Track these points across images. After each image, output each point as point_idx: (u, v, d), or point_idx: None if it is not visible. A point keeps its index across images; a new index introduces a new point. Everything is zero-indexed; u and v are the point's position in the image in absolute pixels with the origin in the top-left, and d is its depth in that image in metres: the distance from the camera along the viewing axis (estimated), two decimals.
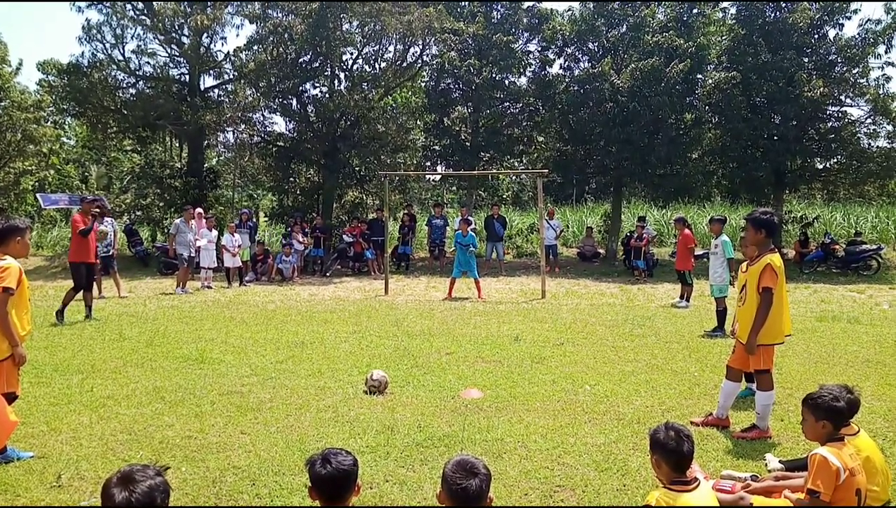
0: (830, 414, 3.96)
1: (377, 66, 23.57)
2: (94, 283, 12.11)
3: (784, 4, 21.12)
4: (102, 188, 35.65)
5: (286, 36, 21.08)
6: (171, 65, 23.94)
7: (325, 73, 23.23)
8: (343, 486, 2.93)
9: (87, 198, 12.34)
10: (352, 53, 23.14)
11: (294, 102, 23.49)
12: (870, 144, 21.98)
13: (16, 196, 26.90)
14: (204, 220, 16.80)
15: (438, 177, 30.74)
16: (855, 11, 21.18)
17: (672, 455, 3.35)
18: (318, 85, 23.84)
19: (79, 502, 4.36)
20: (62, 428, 5.73)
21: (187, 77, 23.84)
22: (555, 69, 23.42)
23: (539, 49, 23.74)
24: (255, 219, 20.69)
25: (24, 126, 25.00)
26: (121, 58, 23.03)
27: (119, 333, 10.10)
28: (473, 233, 15.35)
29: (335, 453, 2.97)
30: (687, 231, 13.75)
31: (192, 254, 16.07)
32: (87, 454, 5.15)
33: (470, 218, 17.92)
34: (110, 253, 14.55)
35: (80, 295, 11.42)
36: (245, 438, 5.52)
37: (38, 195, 24.70)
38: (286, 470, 4.83)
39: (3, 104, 25.58)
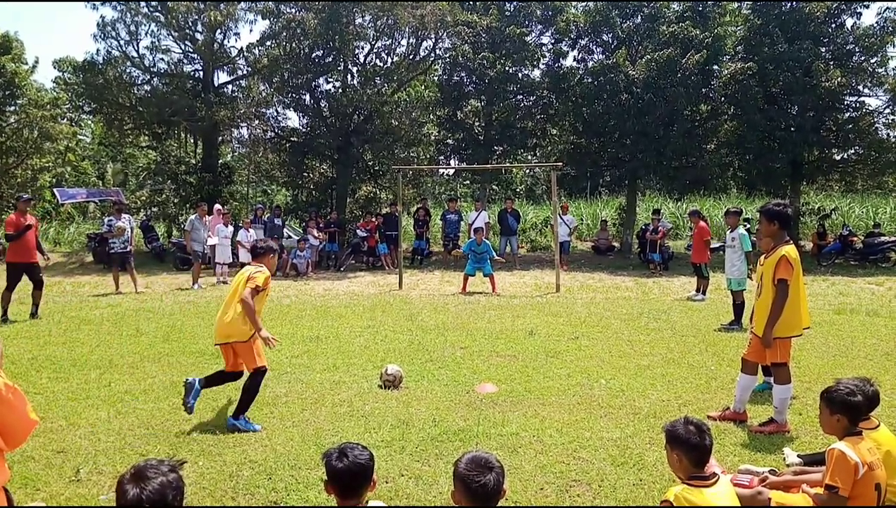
0: (845, 408, 3.92)
1: (390, 60, 23.56)
2: (41, 281, 11.40)
3: None
4: (118, 184, 35.97)
5: (299, 31, 21.11)
6: (185, 61, 24.11)
7: (338, 68, 23.26)
8: (359, 481, 2.93)
9: (24, 197, 11.71)
10: (364, 48, 23.15)
11: (307, 97, 23.54)
12: (888, 135, 21.73)
13: (33, 192, 27.17)
14: (221, 216, 16.91)
15: (452, 171, 30.72)
16: None
17: (695, 450, 3.32)
18: (331, 80, 23.90)
19: (97, 496, 4.40)
20: (80, 423, 5.78)
21: (201, 73, 23.97)
22: (569, 61, 23.38)
23: (553, 41, 23.65)
24: (281, 218, 20.73)
25: (41, 123, 25.25)
26: (135, 55, 23.21)
27: (136, 328, 10.18)
28: (487, 242, 15.29)
29: (352, 447, 2.98)
30: (702, 223, 13.63)
31: (206, 250, 16.22)
32: (105, 448, 5.20)
33: (482, 225, 17.87)
34: (127, 249, 14.65)
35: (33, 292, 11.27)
36: (261, 432, 5.55)
37: (55, 190, 24.96)
38: (302, 464, 4.85)
39: (20, 102, 25.85)
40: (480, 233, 15.20)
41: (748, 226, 16.86)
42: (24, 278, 11.15)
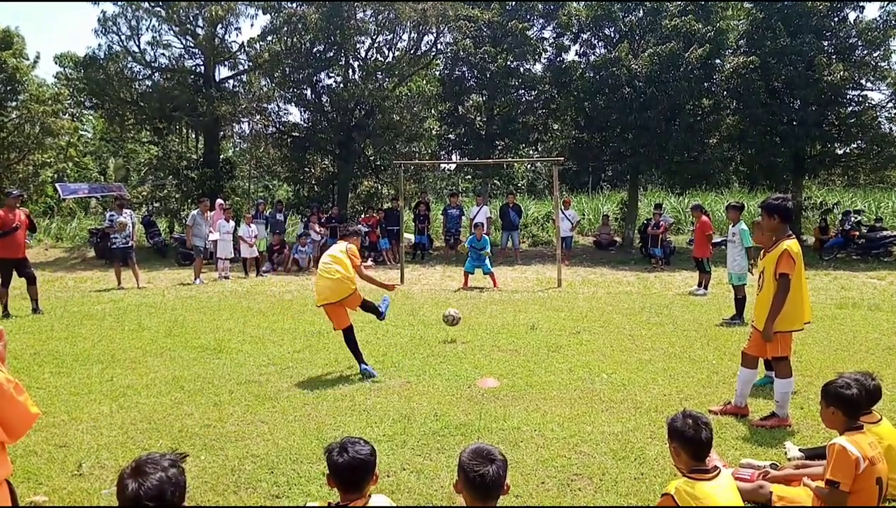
0: (838, 401, 3.93)
1: (391, 54, 23.51)
2: (31, 274, 11.31)
3: None
4: (120, 180, 35.97)
5: (300, 25, 21.09)
6: (186, 56, 24.07)
7: (340, 63, 23.23)
8: (360, 475, 2.93)
9: (13, 193, 11.41)
10: (365, 42, 23.11)
11: (309, 92, 23.51)
12: (891, 129, 21.66)
13: (35, 187, 27.17)
14: (223, 212, 16.92)
15: (453, 165, 30.69)
16: None
17: (690, 443, 3.34)
18: (332, 74, 23.88)
19: (99, 490, 4.41)
20: (83, 418, 5.80)
21: (202, 68, 23.93)
22: (570, 55, 23.27)
23: (554, 35, 23.55)
24: (283, 213, 20.75)
25: (43, 119, 25.20)
26: (136, 49, 23.17)
27: (138, 323, 10.19)
28: (487, 237, 15.22)
29: (353, 442, 2.98)
30: (704, 218, 13.60)
31: (207, 246, 16.25)
32: (107, 443, 5.21)
33: (482, 220, 17.84)
34: (129, 244, 14.65)
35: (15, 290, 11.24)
36: (263, 427, 5.56)
37: (57, 185, 24.95)
38: (304, 459, 4.86)
39: (21, 97, 25.80)
40: (480, 228, 15.17)
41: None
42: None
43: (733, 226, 10.87)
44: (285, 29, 21.69)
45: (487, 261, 14.62)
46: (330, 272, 7.12)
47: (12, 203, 11.09)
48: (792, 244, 5.54)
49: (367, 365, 7.19)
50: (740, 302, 10.30)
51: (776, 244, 5.63)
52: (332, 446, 3.00)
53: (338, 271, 7.09)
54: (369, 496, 3.01)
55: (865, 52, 20.47)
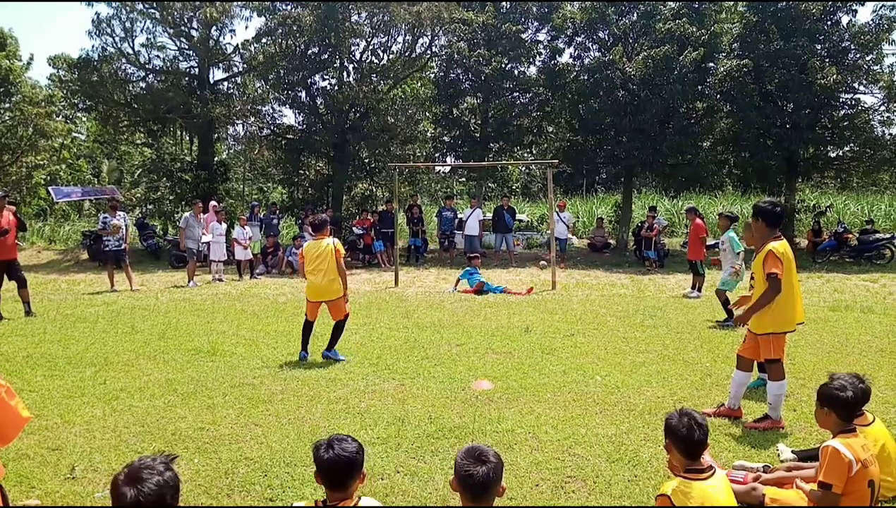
0: (830, 402, 3.96)
1: (386, 57, 23.53)
2: (20, 277, 11.21)
3: None
4: (114, 182, 35.90)
5: (295, 28, 21.09)
6: (180, 58, 24.03)
7: (334, 65, 23.24)
8: (345, 472, 2.93)
9: (1, 193, 11.19)
10: (360, 45, 23.12)
11: (303, 94, 23.51)
12: (884, 132, 21.76)
13: (28, 190, 27.08)
14: (216, 214, 16.89)
15: (448, 168, 30.71)
16: None
17: (682, 441, 3.36)
18: (327, 77, 23.88)
19: (92, 494, 4.39)
20: (76, 421, 5.77)
21: (197, 70, 23.89)
22: (565, 58, 23.32)
23: (549, 38, 23.62)
24: (277, 215, 20.75)
25: (36, 121, 25.13)
26: (130, 51, 23.11)
27: (131, 326, 10.16)
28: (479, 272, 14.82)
29: (340, 439, 2.98)
30: (699, 221, 13.65)
31: (201, 248, 16.23)
32: (100, 446, 5.19)
33: (475, 222, 17.87)
34: (122, 246, 14.60)
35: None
36: (257, 430, 5.54)
37: (50, 188, 24.87)
38: (298, 462, 4.85)
39: (14, 99, 25.73)
40: (477, 260, 15.23)
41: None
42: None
43: (723, 234, 10.92)
44: (280, 31, 21.69)
45: (491, 286, 14.07)
46: (325, 273, 7.89)
47: (0, 204, 10.88)
48: (778, 245, 5.55)
49: (334, 352, 7.99)
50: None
51: (762, 247, 5.66)
52: (319, 443, 3.01)
53: (332, 273, 7.89)
54: (359, 497, 3.00)
55: (858, 55, 20.56)
